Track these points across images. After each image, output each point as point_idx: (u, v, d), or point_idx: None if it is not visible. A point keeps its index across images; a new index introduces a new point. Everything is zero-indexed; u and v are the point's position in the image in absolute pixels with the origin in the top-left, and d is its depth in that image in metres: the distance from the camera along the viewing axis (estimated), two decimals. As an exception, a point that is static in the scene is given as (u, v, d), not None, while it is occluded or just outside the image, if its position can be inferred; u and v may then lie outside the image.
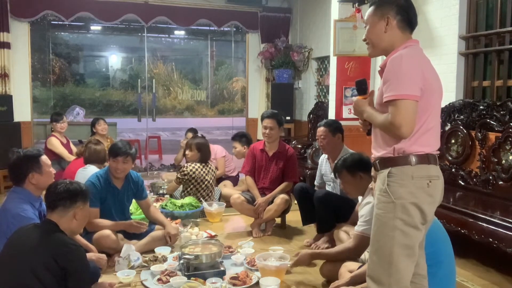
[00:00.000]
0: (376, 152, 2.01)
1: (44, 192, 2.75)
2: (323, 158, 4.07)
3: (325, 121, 4.08)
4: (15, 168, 2.72)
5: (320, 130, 3.91)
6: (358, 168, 2.97)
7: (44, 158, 2.80)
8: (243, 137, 5.28)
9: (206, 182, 4.66)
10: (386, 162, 1.95)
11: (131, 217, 3.87)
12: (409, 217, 1.87)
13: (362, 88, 2.14)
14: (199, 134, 5.38)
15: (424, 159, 1.90)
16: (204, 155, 4.77)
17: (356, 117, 2.16)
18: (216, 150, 5.81)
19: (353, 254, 2.86)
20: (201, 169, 4.66)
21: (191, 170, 4.62)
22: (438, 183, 1.95)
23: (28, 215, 2.56)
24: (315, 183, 4.17)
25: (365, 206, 2.80)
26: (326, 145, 3.89)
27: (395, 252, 1.87)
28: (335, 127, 3.90)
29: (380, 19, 2.00)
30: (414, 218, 1.88)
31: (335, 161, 3.77)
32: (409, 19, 2.00)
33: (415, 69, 1.86)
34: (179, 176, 4.65)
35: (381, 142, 1.99)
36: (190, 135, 5.96)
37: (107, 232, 3.31)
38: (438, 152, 1.99)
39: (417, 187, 1.88)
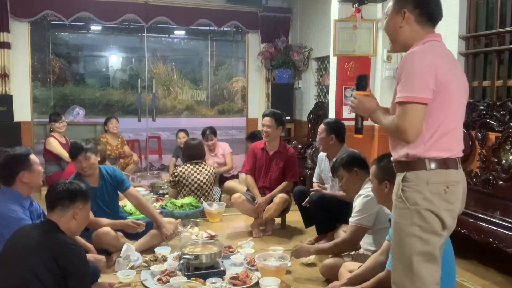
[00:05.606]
0: (393, 153, 1.92)
1: (32, 191, 2.76)
2: (322, 156, 4.07)
3: (326, 120, 4.12)
4: (4, 168, 2.70)
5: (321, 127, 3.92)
6: (353, 164, 3.06)
7: (33, 156, 2.79)
8: (255, 138, 5.27)
9: (199, 182, 4.63)
10: (402, 166, 1.85)
11: (130, 217, 3.87)
12: (426, 223, 1.77)
13: (362, 83, 2.06)
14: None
15: (442, 164, 1.79)
16: (184, 156, 4.88)
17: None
18: (224, 147, 5.92)
19: (349, 245, 2.95)
20: (191, 169, 4.66)
21: (180, 171, 4.64)
22: (458, 189, 1.82)
23: (17, 215, 2.55)
24: (313, 179, 4.17)
25: (357, 199, 2.90)
26: (324, 145, 3.89)
27: (415, 259, 1.79)
28: (332, 128, 3.90)
29: (397, 12, 1.89)
30: (432, 224, 1.78)
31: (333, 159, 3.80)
32: (430, 12, 1.87)
33: (426, 70, 1.75)
34: (170, 179, 4.73)
35: (395, 144, 1.89)
36: (182, 134, 6.20)
37: (107, 229, 3.31)
38: (461, 154, 1.87)
39: (432, 193, 1.76)
